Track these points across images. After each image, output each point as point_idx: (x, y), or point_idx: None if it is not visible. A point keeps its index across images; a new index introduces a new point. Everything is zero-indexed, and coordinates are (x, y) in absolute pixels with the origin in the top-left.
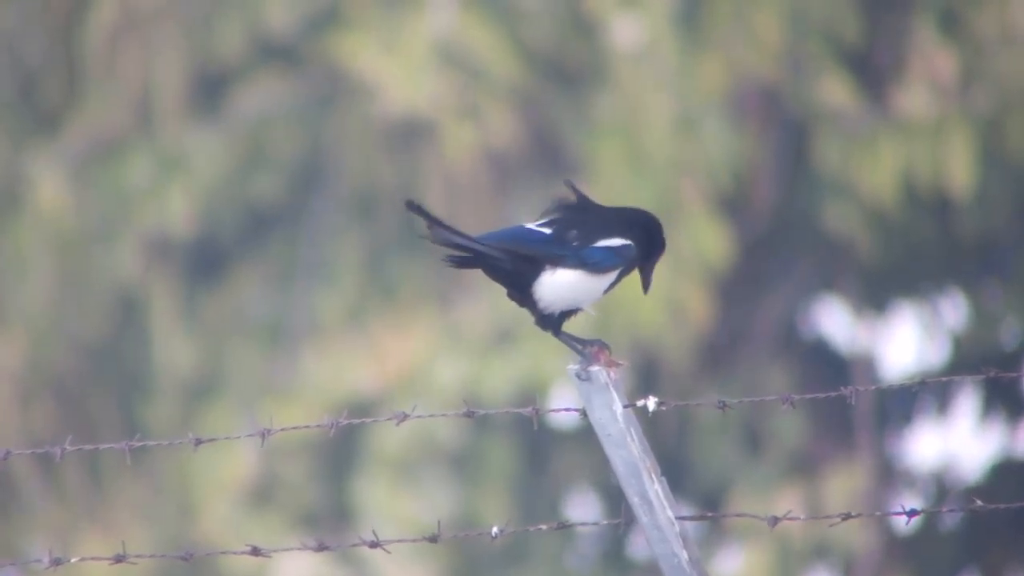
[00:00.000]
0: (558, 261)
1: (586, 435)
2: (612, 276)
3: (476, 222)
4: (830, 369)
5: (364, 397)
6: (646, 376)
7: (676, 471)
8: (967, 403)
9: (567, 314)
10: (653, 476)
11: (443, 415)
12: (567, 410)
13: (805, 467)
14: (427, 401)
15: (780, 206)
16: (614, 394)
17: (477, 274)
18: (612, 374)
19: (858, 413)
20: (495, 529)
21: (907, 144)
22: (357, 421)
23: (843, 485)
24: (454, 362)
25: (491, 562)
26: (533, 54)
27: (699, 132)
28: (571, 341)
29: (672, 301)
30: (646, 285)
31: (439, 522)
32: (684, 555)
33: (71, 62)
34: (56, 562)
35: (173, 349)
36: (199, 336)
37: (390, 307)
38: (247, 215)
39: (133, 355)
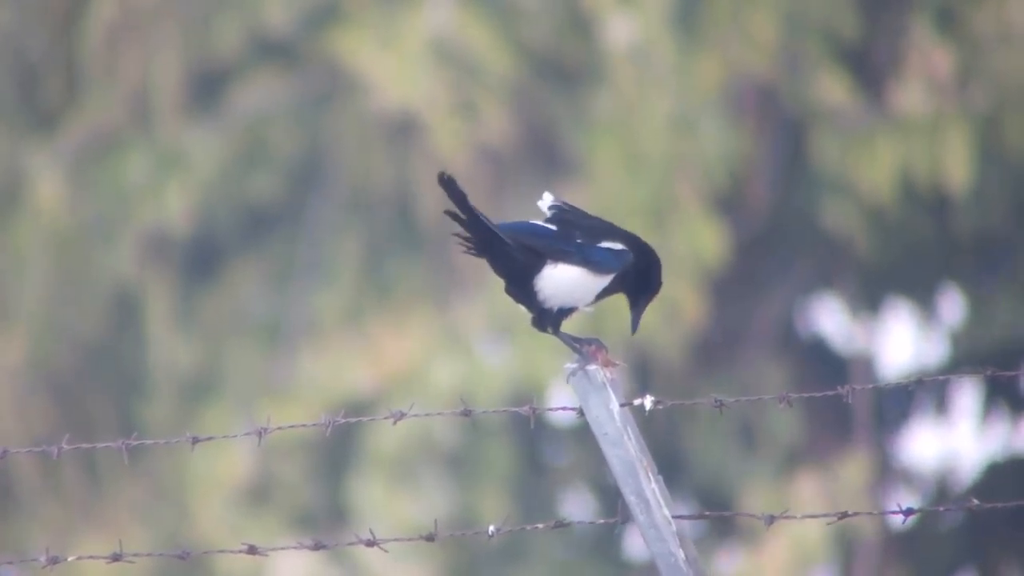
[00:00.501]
0: (562, 256)
1: (583, 433)
2: (609, 279)
3: None
4: (828, 367)
5: (361, 396)
6: (641, 375)
7: (675, 469)
8: (966, 401)
9: (564, 312)
10: (650, 475)
11: (440, 414)
12: (564, 409)
13: (804, 464)
14: (424, 400)
15: (777, 204)
16: (611, 393)
17: (476, 274)
18: (609, 373)
19: (857, 411)
20: (492, 528)
21: (904, 142)
22: (354, 420)
23: (842, 483)
24: (451, 361)
25: (489, 562)
26: (530, 52)
27: (696, 130)
28: (569, 339)
29: (666, 300)
30: (635, 324)
31: (436, 521)
32: (681, 554)
33: (70, 60)
34: (53, 560)
35: (170, 348)
36: (196, 335)
37: (387, 306)
38: (245, 213)
39: (130, 354)
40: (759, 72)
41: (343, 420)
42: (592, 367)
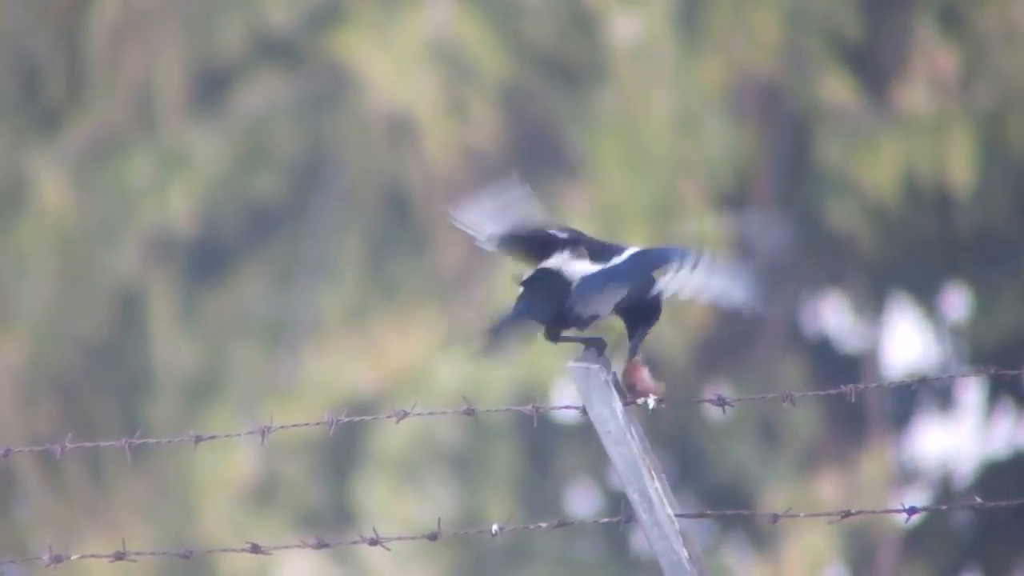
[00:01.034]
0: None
1: (588, 431)
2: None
3: None
4: (835, 366)
5: (364, 396)
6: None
7: (691, 467)
8: (970, 399)
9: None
10: (653, 473)
11: (443, 413)
12: (567, 408)
13: (824, 461)
14: (427, 400)
15: (781, 203)
16: (614, 391)
17: (479, 274)
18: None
19: (870, 409)
20: (495, 527)
21: (908, 141)
22: (357, 419)
23: (861, 479)
24: (454, 361)
25: (494, 561)
26: (532, 51)
27: (699, 130)
28: (576, 338)
29: (669, 301)
30: (634, 350)
31: (439, 520)
32: (684, 552)
33: (73, 60)
34: (56, 559)
35: (174, 348)
36: (200, 335)
37: (391, 306)
38: (248, 213)
39: (134, 354)
40: (763, 71)
41: (346, 419)
42: (595, 367)
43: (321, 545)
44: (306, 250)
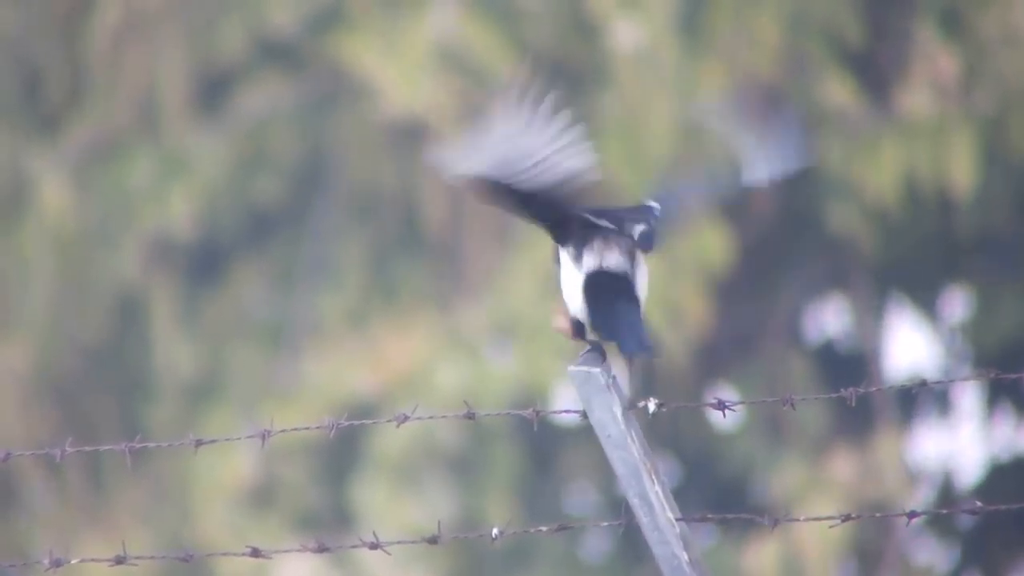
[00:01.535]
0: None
1: (590, 433)
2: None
3: (476, 219)
4: (837, 368)
5: (365, 399)
6: (644, 377)
7: (700, 461)
8: (970, 402)
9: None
10: (653, 477)
11: (443, 416)
12: (567, 412)
13: (835, 451)
14: (428, 403)
15: (782, 207)
16: (614, 395)
17: (481, 277)
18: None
19: (876, 410)
20: (495, 530)
21: (909, 144)
22: (357, 423)
23: (873, 472)
24: (455, 364)
25: (494, 564)
26: (534, 56)
27: (700, 134)
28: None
29: (669, 302)
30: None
31: (439, 523)
32: (684, 556)
33: (73, 63)
34: (56, 563)
35: (174, 351)
36: (200, 338)
37: (391, 309)
38: (249, 216)
39: (134, 357)
40: (764, 75)
41: (346, 423)
42: (596, 369)
43: (321, 549)
44: (307, 253)
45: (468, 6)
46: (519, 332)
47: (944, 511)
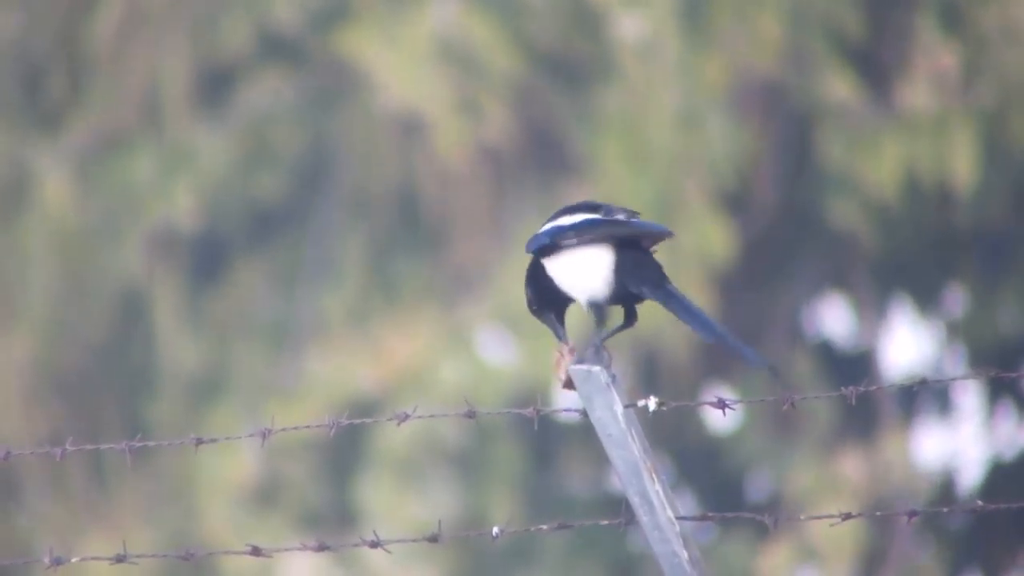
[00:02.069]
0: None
1: (591, 429)
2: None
3: (476, 215)
4: (838, 365)
5: (367, 396)
6: (647, 374)
7: (708, 456)
8: (970, 401)
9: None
10: (654, 476)
11: (444, 415)
12: (568, 411)
13: (837, 457)
14: (430, 401)
15: (783, 202)
16: (615, 394)
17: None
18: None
19: (880, 408)
20: (495, 529)
21: (910, 139)
22: (357, 421)
23: (882, 466)
24: (457, 361)
25: (496, 561)
26: (536, 50)
27: (702, 128)
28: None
29: None
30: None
31: (439, 522)
32: (684, 554)
33: (76, 58)
34: (56, 562)
35: (177, 348)
36: (203, 334)
37: (393, 306)
38: (251, 213)
39: (137, 353)
40: (765, 70)
41: (347, 422)
42: (596, 368)
43: (322, 547)
44: (309, 251)
45: (470, 1)
46: (520, 329)
47: (944, 511)
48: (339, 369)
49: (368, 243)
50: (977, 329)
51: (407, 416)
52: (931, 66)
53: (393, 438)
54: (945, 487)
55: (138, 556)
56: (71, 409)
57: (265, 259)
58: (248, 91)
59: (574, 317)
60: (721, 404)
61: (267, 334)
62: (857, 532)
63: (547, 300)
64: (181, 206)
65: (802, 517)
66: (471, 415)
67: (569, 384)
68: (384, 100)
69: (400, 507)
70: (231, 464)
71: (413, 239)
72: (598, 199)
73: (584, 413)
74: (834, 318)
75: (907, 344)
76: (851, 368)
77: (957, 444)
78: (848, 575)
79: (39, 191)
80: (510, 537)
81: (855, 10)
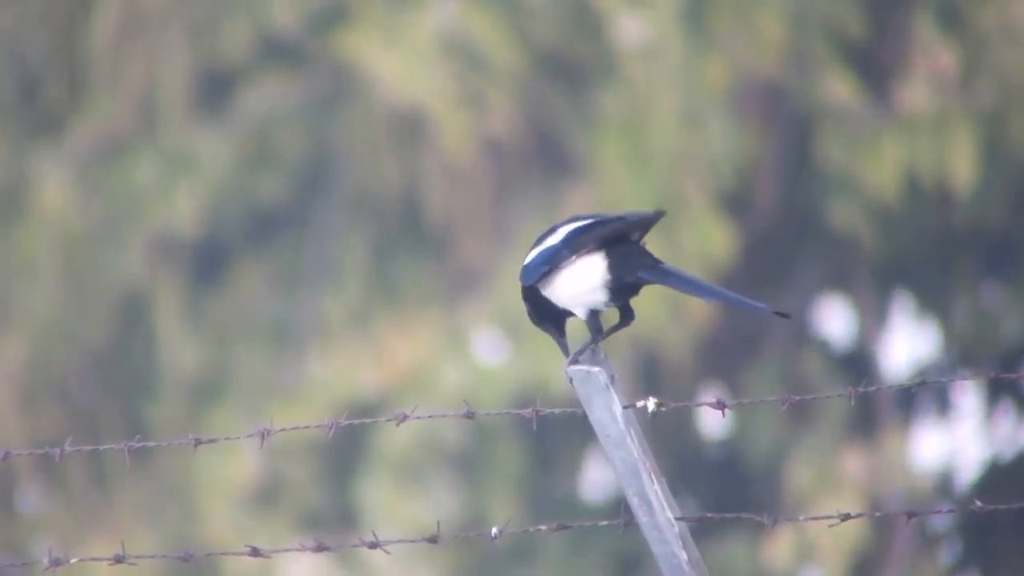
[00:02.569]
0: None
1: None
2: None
3: (478, 216)
4: (842, 366)
5: (368, 398)
6: (647, 375)
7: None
8: (969, 401)
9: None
10: (653, 476)
11: (443, 415)
12: (567, 411)
13: (842, 457)
14: (431, 402)
15: (784, 203)
16: (614, 395)
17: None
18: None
19: (879, 406)
20: (495, 530)
21: (910, 140)
22: (357, 422)
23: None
24: (458, 363)
25: (497, 561)
26: (537, 50)
27: (703, 129)
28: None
29: (672, 298)
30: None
31: (438, 523)
32: (684, 555)
33: (75, 62)
34: (56, 562)
35: (178, 350)
36: (204, 337)
37: (395, 308)
38: (252, 216)
39: (138, 356)
40: (766, 71)
41: (346, 423)
42: (596, 369)
43: (321, 548)
44: (310, 253)
45: (470, 1)
46: (520, 331)
47: (944, 511)
48: (340, 371)
49: (369, 245)
50: (977, 330)
51: (406, 417)
52: (931, 67)
53: (393, 439)
54: (944, 487)
55: (137, 557)
56: (72, 412)
57: (266, 262)
58: (248, 94)
59: (574, 320)
60: (720, 405)
61: (268, 336)
62: (857, 532)
63: (546, 315)
64: (182, 210)
65: (801, 518)
66: (470, 415)
67: None
68: (386, 98)
69: (400, 508)
70: (231, 465)
71: (414, 241)
72: (599, 200)
73: (583, 414)
74: (834, 319)
75: (907, 344)
76: (853, 369)
77: (956, 444)
78: (848, 575)
79: (40, 196)
80: (510, 538)
81: (855, 11)
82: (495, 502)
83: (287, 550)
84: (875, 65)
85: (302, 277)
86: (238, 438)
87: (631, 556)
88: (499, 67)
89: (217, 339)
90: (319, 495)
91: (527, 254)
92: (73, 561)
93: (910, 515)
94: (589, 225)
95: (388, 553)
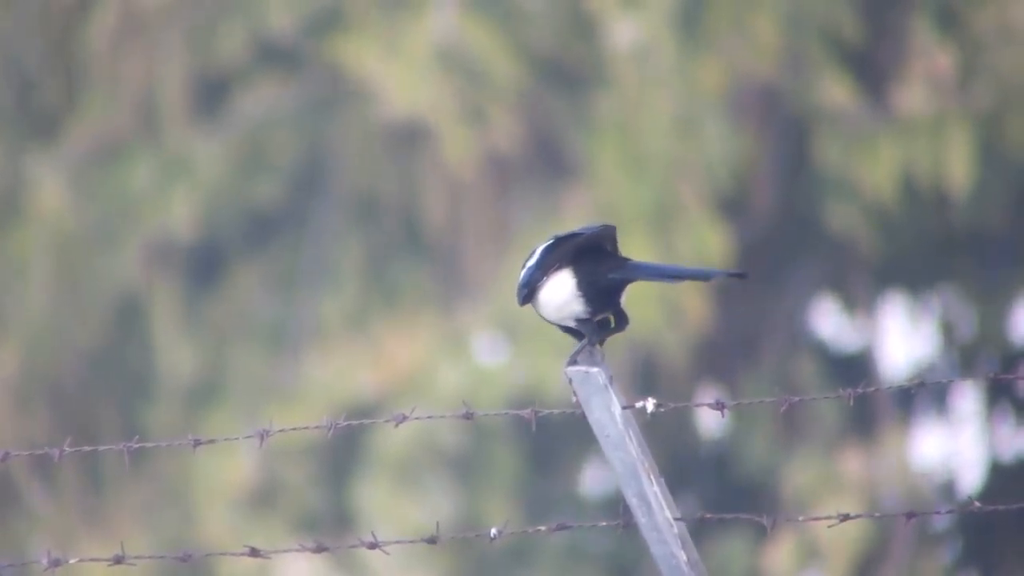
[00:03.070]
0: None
1: (589, 433)
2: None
3: (477, 224)
4: (839, 367)
5: (366, 400)
6: (644, 377)
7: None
8: (970, 402)
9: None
10: (651, 477)
11: (441, 416)
12: (566, 411)
13: (840, 458)
14: (429, 404)
15: (781, 206)
16: (612, 395)
17: (480, 278)
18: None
19: (878, 408)
20: (494, 530)
21: (907, 142)
22: (355, 423)
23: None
24: (455, 365)
25: (494, 563)
26: (533, 56)
27: (699, 133)
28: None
29: (669, 302)
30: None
31: (438, 523)
32: (683, 556)
33: (71, 66)
34: (55, 563)
35: (175, 353)
36: (201, 340)
37: (392, 311)
38: (249, 219)
39: (135, 359)
40: (762, 74)
41: (344, 423)
42: (595, 369)
43: (320, 549)
44: (307, 255)
45: (467, 7)
46: (518, 333)
47: (944, 511)
48: (338, 374)
49: (366, 247)
50: (975, 331)
51: (405, 418)
52: (927, 68)
53: (390, 442)
54: (944, 488)
55: (136, 557)
56: (68, 415)
57: (262, 264)
58: (245, 98)
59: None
60: (719, 406)
61: (265, 339)
62: (856, 532)
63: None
64: (178, 213)
65: (800, 518)
66: (469, 416)
67: None
68: (386, 109)
69: (398, 511)
70: (229, 468)
71: (411, 244)
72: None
73: (582, 415)
74: (833, 320)
75: (905, 346)
76: (851, 371)
77: (956, 445)
78: (848, 575)
79: (36, 198)
80: (508, 540)
81: (851, 13)
82: (492, 505)
83: (287, 550)
84: (872, 67)
85: (299, 279)
86: (237, 439)
87: (627, 559)
88: (497, 78)
89: (214, 342)
90: (316, 497)
91: (521, 270)
92: (73, 561)
93: (910, 515)
94: (550, 245)
95: (387, 554)
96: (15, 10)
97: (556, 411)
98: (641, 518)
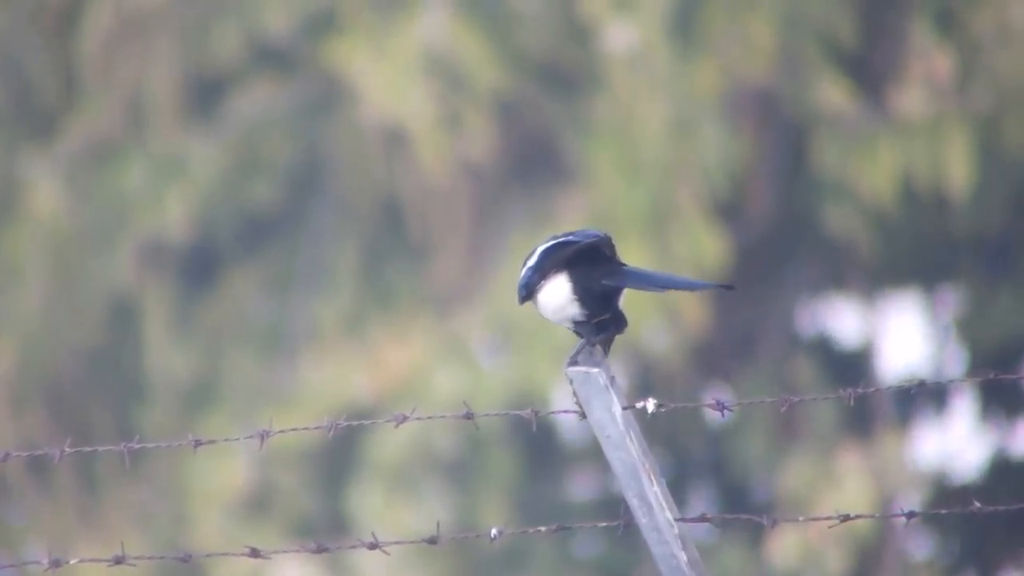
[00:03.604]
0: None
1: (589, 437)
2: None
3: (462, 232)
4: (836, 367)
5: (362, 404)
6: (642, 378)
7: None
8: (968, 402)
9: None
10: (652, 478)
11: (443, 417)
12: (566, 412)
13: (837, 458)
14: (425, 408)
15: (779, 209)
16: (613, 396)
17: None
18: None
19: (877, 409)
20: (494, 531)
21: (905, 144)
22: (357, 423)
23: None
24: (451, 369)
25: (490, 567)
26: (527, 60)
27: (695, 136)
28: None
29: (666, 304)
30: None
31: (438, 523)
32: (683, 556)
33: (66, 66)
34: (55, 563)
35: (169, 356)
36: (195, 342)
37: (387, 314)
38: (243, 220)
39: (129, 361)
40: (758, 77)
41: (345, 423)
42: (595, 370)
43: (321, 549)
44: (302, 257)
45: (459, 10)
46: (515, 337)
47: (943, 511)
48: (333, 377)
49: (361, 250)
50: (974, 332)
51: (405, 418)
52: (925, 70)
53: (387, 446)
54: (943, 488)
55: (136, 558)
56: (61, 417)
57: (257, 267)
58: (239, 100)
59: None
60: (719, 406)
61: (260, 342)
62: (856, 532)
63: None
64: (172, 215)
65: (800, 519)
66: (469, 417)
67: None
68: (369, 112)
69: (394, 515)
70: (223, 472)
71: (405, 247)
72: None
73: (582, 415)
74: (832, 321)
75: (905, 347)
76: (851, 371)
77: (955, 445)
78: (847, 575)
79: (30, 199)
80: (503, 546)
81: (848, 16)
82: (487, 509)
83: (288, 551)
84: (869, 69)
85: (294, 282)
86: (238, 439)
87: (621, 564)
88: (482, 85)
89: (209, 344)
90: (311, 502)
91: (522, 268)
92: (73, 562)
93: (910, 515)
94: (549, 249)
95: (387, 554)
96: (11, 10)
97: (557, 412)
98: (642, 519)
